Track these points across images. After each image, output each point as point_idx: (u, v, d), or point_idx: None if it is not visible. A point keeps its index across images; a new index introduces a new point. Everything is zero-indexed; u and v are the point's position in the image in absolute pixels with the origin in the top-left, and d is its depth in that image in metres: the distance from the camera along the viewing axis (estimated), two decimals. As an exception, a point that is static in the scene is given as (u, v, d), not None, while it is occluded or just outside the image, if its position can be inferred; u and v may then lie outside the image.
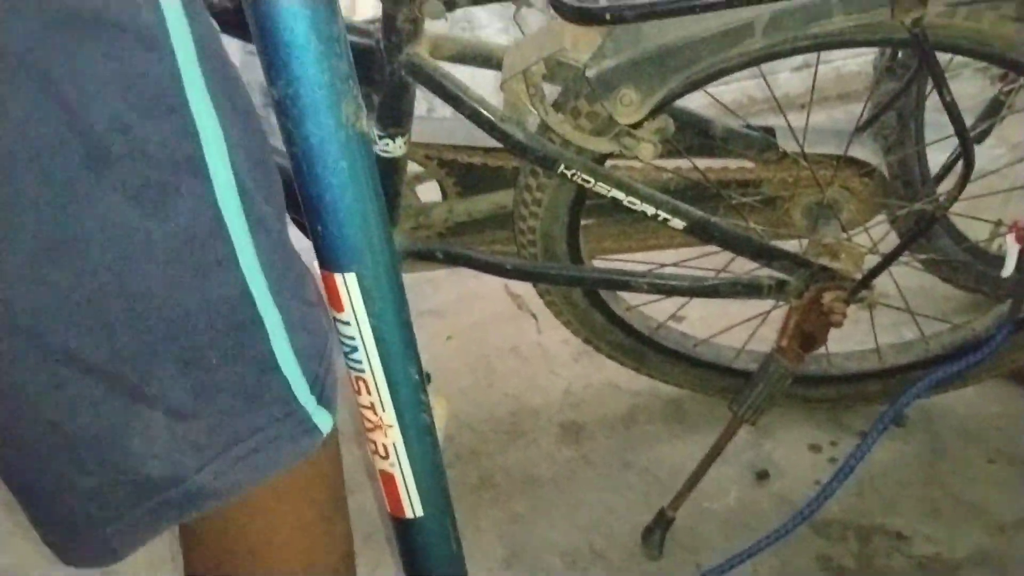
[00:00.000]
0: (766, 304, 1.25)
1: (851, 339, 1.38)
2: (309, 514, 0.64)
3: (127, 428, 0.52)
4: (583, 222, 1.13)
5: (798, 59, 1.85)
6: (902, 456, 1.29)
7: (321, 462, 0.63)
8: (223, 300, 0.53)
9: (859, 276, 1.03)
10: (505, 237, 1.22)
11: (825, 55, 1.04)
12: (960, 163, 0.93)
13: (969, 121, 0.98)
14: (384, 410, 0.59)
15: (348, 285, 0.55)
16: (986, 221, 1.12)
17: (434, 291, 1.61)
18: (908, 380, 1.25)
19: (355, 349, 0.57)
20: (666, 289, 1.09)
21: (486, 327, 1.64)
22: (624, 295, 1.27)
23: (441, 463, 0.65)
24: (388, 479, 0.63)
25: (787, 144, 1.11)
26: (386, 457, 0.62)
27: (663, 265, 1.18)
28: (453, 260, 1.15)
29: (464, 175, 1.15)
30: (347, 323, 0.56)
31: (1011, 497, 1.23)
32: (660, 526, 1.19)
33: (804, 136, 1.06)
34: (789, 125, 1.07)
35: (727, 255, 1.18)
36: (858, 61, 2.15)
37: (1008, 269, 1.04)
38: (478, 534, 1.26)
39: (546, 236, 1.10)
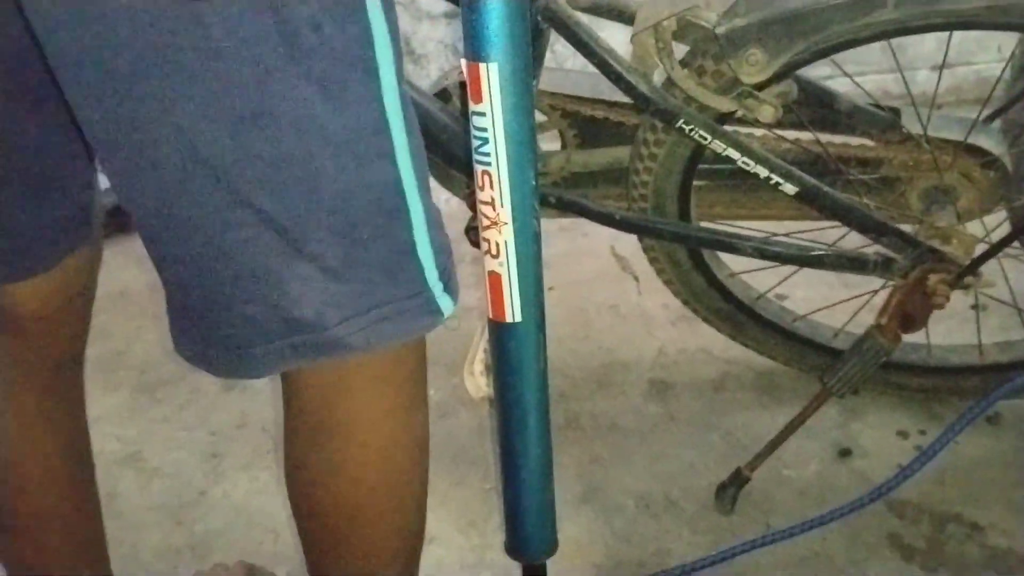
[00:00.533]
0: (869, 289, 1.26)
1: (956, 337, 1.38)
2: (396, 400, 0.72)
3: (287, 272, 0.60)
4: (696, 183, 1.16)
5: (938, 58, 1.82)
6: (991, 453, 1.29)
7: (411, 357, 0.72)
8: (380, 187, 0.61)
9: (967, 262, 1.03)
10: (617, 193, 1.26)
11: (968, 55, 1.04)
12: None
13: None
14: (503, 206, 0.66)
15: (490, 74, 0.62)
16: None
17: (543, 244, 1.67)
18: (1007, 379, 1.25)
19: (486, 141, 0.64)
20: (770, 255, 1.11)
21: (589, 284, 1.69)
22: (728, 262, 1.30)
23: (541, 275, 0.72)
24: (495, 281, 0.69)
25: (911, 127, 1.12)
26: (496, 256, 0.68)
27: (773, 234, 1.20)
28: (565, 207, 1.20)
29: (585, 127, 1.20)
30: (483, 114, 0.64)
31: (1097, 504, 1.21)
32: (735, 484, 1.22)
33: (928, 119, 1.07)
34: (915, 106, 1.08)
35: (836, 234, 1.19)
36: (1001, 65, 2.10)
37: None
38: (559, 469, 1.29)
39: (658, 192, 1.14)
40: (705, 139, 1.00)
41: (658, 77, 1.05)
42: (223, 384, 1.48)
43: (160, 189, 0.58)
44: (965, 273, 1.02)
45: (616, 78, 1.01)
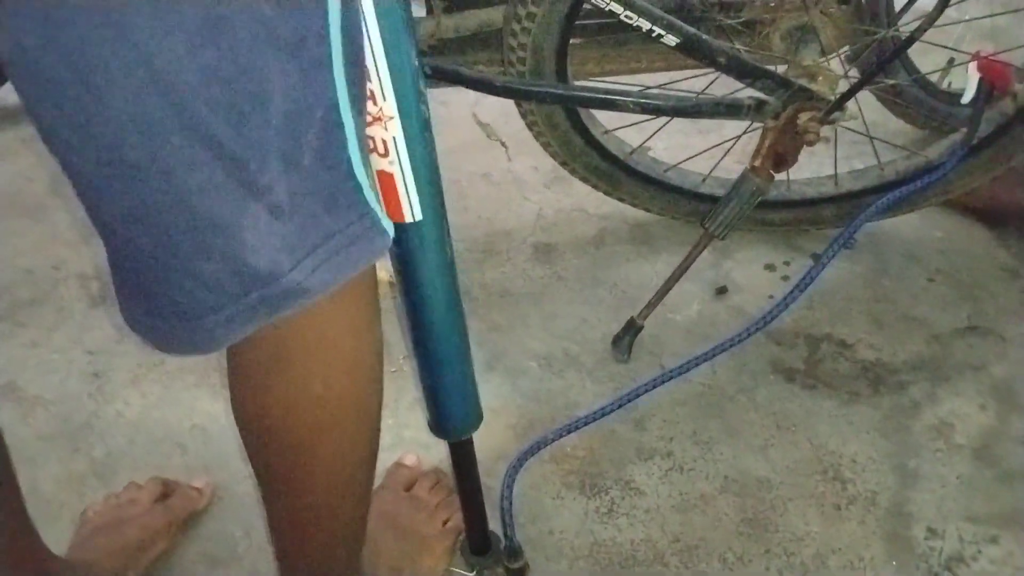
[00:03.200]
0: (729, 133, 1.31)
1: (807, 169, 1.47)
2: (355, 316, 0.69)
3: (242, 217, 0.55)
4: (572, 41, 1.15)
5: None
6: (850, 275, 1.41)
7: (367, 272, 0.68)
8: (320, 101, 0.55)
9: (834, 98, 1.09)
10: (487, 58, 1.24)
11: None
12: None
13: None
14: (385, 98, 0.60)
15: None
16: (959, 51, 1.18)
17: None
18: (861, 205, 1.35)
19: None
20: (651, 108, 1.13)
21: (457, 154, 1.67)
22: (601, 119, 1.32)
23: (437, 166, 0.67)
24: (387, 180, 0.65)
25: (770, -31, 1.15)
26: (385, 155, 0.63)
27: (645, 87, 1.22)
28: (441, 76, 1.17)
29: (453, -11, 1.16)
30: None
31: (948, 311, 1.36)
32: (629, 333, 1.29)
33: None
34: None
35: (699, 83, 1.23)
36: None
37: (968, 96, 1.11)
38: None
39: (536, 52, 1.13)
40: (587, -5, 1.00)
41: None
42: (91, 299, 1.39)
43: (112, 128, 0.51)
44: (834, 109, 1.08)
45: (492, -63, 0.98)
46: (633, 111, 1.14)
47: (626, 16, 1.00)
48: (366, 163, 0.61)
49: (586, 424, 1.14)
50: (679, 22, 1.03)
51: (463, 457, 0.93)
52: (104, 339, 1.33)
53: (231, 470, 1.15)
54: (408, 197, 0.66)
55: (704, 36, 1.04)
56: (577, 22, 1.13)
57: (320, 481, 0.75)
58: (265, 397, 0.69)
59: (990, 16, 1.25)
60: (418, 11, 1.25)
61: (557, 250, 1.47)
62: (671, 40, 1.03)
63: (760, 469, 1.17)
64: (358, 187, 0.60)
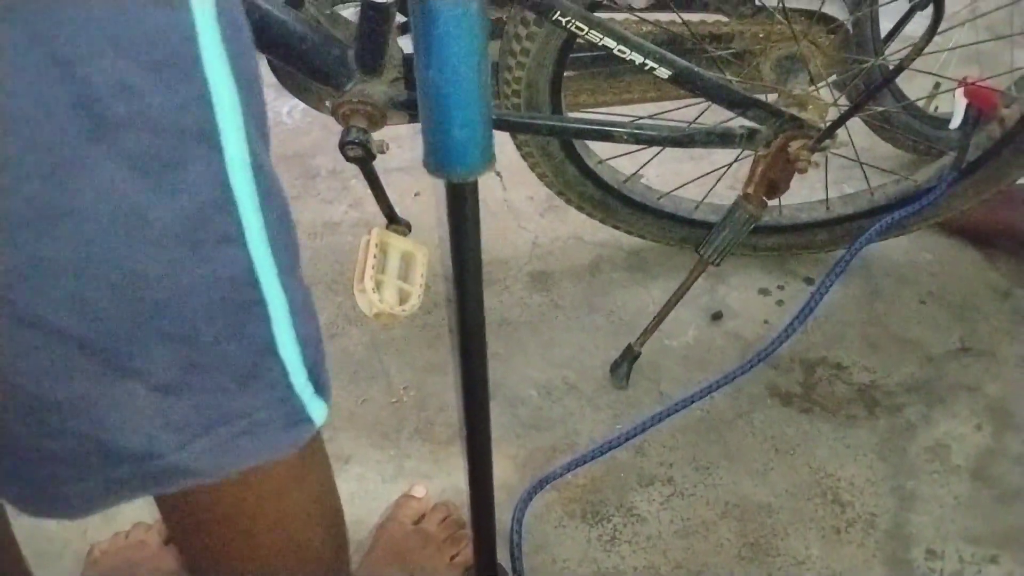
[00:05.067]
0: (720, 160, 1.33)
1: (797, 193, 1.48)
2: (282, 476, 0.61)
3: (102, 399, 0.49)
4: (566, 73, 1.17)
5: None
6: (843, 298, 1.42)
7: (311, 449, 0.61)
8: (225, 280, 0.49)
9: (824, 126, 1.11)
10: (485, 90, 1.26)
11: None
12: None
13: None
14: None
15: None
16: (945, 77, 1.20)
17: (400, 149, 1.65)
18: (852, 229, 1.37)
19: None
20: (646, 139, 1.15)
21: (451, 184, 1.68)
22: (595, 149, 1.33)
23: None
24: None
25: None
26: None
27: (637, 117, 1.24)
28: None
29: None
30: None
31: (941, 333, 1.37)
32: (627, 360, 1.30)
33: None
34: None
35: (689, 113, 1.24)
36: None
37: (956, 122, 1.13)
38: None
39: (531, 86, 1.15)
40: (581, 30, 1.01)
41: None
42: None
43: None
44: (824, 137, 1.10)
45: (486, -25, 0.99)
46: (628, 142, 1.16)
47: (619, 51, 1.02)
48: (302, 341, 0.54)
49: (594, 458, 1.15)
50: (671, 55, 1.05)
51: (461, 205, 0.70)
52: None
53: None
54: None
55: (695, 68, 1.06)
56: (571, 55, 1.15)
57: None
58: (199, 560, 0.65)
59: (976, 43, 1.27)
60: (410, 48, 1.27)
61: (553, 278, 1.48)
62: (663, 73, 1.05)
63: (760, 493, 1.18)
64: (282, 368, 0.54)
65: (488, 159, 0.64)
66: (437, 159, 0.62)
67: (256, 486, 0.59)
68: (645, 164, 1.35)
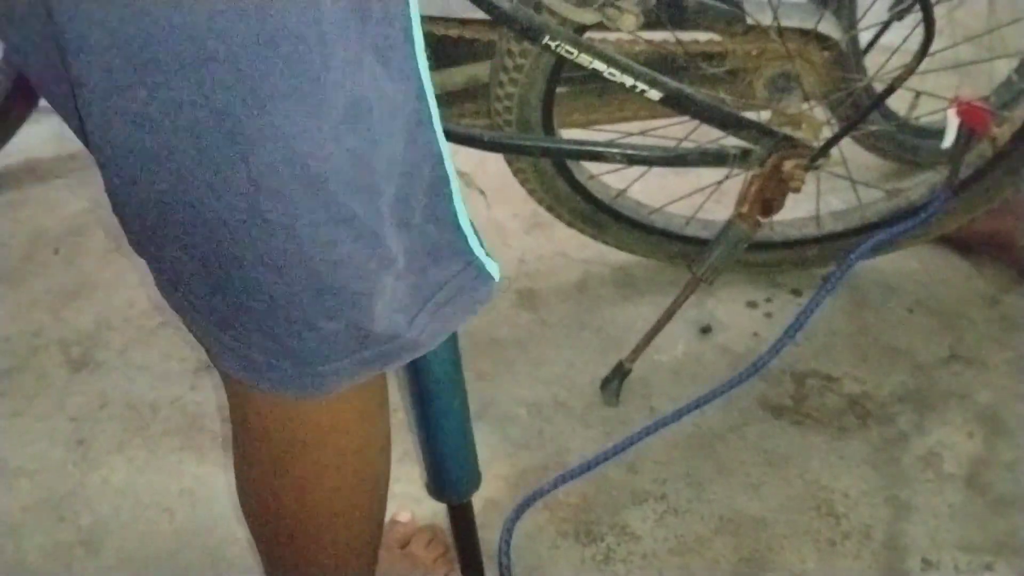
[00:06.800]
0: (710, 178, 1.33)
1: (787, 208, 1.49)
2: (365, 401, 0.67)
3: (376, 290, 0.55)
4: (558, 90, 1.16)
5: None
6: (831, 309, 1.43)
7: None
8: (427, 158, 0.56)
9: (818, 145, 1.11)
10: (475, 111, 1.25)
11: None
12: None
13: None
14: None
15: None
16: (936, 96, 1.21)
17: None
18: (842, 246, 1.38)
19: None
20: (639, 159, 1.14)
21: (434, 201, 1.67)
22: (586, 165, 1.33)
23: None
24: None
25: (757, 18, 1.16)
26: None
27: (628, 134, 1.24)
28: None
29: (438, 47, 1.16)
30: None
31: (930, 341, 1.38)
32: (617, 377, 1.29)
33: (775, 10, 1.12)
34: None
35: (680, 129, 1.24)
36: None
37: (948, 141, 1.14)
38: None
39: (523, 104, 1.14)
40: (571, 54, 1.01)
41: (515, -9, 1.03)
42: (72, 365, 1.36)
43: (244, 196, 0.49)
44: (818, 156, 1.10)
45: (476, -1, 0.99)
46: (620, 163, 1.15)
47: (609, 73, 1.02)
48: (466, 208, 0.61)
49: (582, 474, 1.14)
50: (662, 77, 1.04)
51: (462, 519, 0.94)
52: (87, 405, 1.31)
53: (221, 533, 1.14)
54: None
55: (687, 90, 1.06)
56: (563, 73, 1.14)
57: (330, 560, 0.74)
58: (277, 487, 0.68)
59: (970, 64, 1.28)
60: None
61: (541, 296, 1.47)
62: (654, 95, 1.04)
63: (754, 508, 1.17)
64: (463, 237, 0.61)
65: (476, 483, 0.92)
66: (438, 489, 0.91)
67: (350, 405, 0.65)
68: (635, 181, 1.35)
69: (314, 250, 0.52)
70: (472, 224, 0.62)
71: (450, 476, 0.88)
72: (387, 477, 0.76)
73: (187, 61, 0.44)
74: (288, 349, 0.57)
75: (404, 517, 1.15)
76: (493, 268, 0.64)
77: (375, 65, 0.49)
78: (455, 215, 0.60)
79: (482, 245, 0.63)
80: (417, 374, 0.79)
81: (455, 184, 0.59)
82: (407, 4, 0.51)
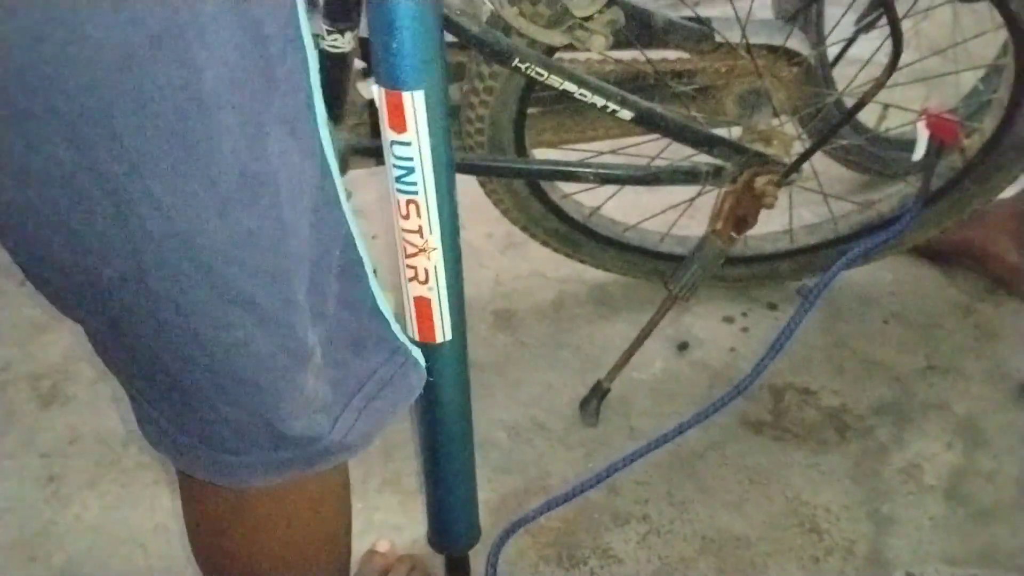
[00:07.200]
0: (684, 194, 1.33)
1: (761, 222, 1.49)
2: (319, 492, 0.64)
3: (286, 389, 0.51)
4: (530, 111, 1.16)
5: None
6: (806, 322, 1.42)
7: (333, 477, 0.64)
8: (337, 240, 0.52)
9: (789, 161, 1.11)
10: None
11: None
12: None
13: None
14: (431, 232, 0.63)
15: (415, 103, 0.57)
16: (905, 109, 1.22)
17: (354, 191, 1.62)
18: (815, 259, 1.38)
19: (412, 171, 0.60)
20: (612, 178, 1.14)
21: (408, 222, 1.66)
22: (560, 184, 1.32)
23: (463, 290, 0.71)
24: (423, 305, 0.67)
25: (725, 35, 1.16)
26: (426, 282, 0.65)
27: (600, 153, 1.23)
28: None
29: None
30: (407, 143, 0.59)
31: (906, 352, 1.39)
32: (596, 396, 1.28)
33: (744, 28, 1.12)
34: (737, 16, 1.13)
35: (653, 146, 1.24)
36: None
37: (918, 153, 1.14)
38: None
39: (494, 125, 1.13)
40: (541, 75, 1.00)
41: (484, 15, 1.03)
42: (41, 399, 1.34)
43: (130, 264, 0.45)
44: (790, 172, 1.11)
45: (445, 22, 0.98)
46: (593, 182, 1.15)
47: (580, 94, 1.01)
48: (384, 296, 0.59)
49: (566, 501, 1.13)
50: (632, 97, 1.04)
51: (460, 570, 0.95)
52: (57, 440, 1.28)
53: (196, 569, 1.11)
54: (442, 321, 0.68)
55: (658, 109, 1.06)
56: (534, 94, 1.13)
57: None
58: (227, 541, 0.64)
59: (937, 76, 1.28)
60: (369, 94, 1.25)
61: (517, 316, 1.46)
62: (625, 115, 1.04)
63: (737, 526, 1.17)
64: (384, 323, 0.58)
65: (477, 536, 0.93)
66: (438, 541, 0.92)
67: (302, 494, 0.62)
68: (609, 199, 1.35)
69: (206, 330, 0.48)
70: (391, 309, 0.59)
71: (452, 528, 0.88)
72: (344, 524, 0.73)
73: (62, 114, 0.40)
74: (200, 432, 0.54)
75: (383, 547, 1.13)
76: (417, 353, 0.61)
77: (285, 138, 0.45)
78: (373, 300, 0.56)
79: (401, 327, 0.60)
80: (432, 428, 0.78)
81: (369, 267, 0.56)
82: (307, 70, 0.47)
